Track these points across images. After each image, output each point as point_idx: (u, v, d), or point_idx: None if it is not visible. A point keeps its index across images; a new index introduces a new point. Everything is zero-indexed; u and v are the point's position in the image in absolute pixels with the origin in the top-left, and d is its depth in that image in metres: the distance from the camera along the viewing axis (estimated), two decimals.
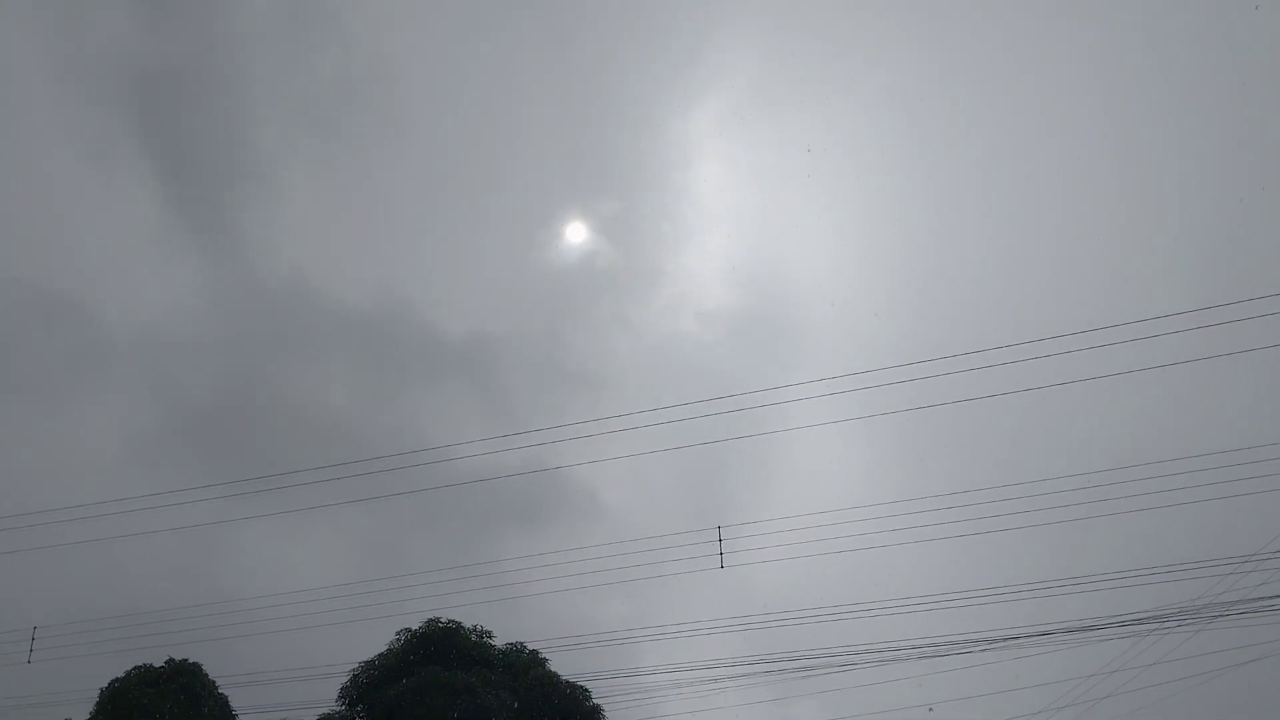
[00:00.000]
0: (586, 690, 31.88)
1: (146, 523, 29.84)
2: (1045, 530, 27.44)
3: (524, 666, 32.48)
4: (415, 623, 32.34)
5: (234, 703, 33.34)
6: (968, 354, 24.61)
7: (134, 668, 32.29)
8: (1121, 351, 23.14)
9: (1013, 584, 27.14)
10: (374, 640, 32.46)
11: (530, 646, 33.59)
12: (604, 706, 32.18)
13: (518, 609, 35.09)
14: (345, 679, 31.82)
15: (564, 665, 33.21)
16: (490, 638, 32.83)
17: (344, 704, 31.59)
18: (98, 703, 31.68)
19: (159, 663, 32.47)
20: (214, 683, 32.93)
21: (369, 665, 31.85)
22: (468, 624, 32.59)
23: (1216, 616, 25.00)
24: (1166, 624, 26.13)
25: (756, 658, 29.88)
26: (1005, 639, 28.39)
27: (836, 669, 29.52)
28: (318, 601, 30.74)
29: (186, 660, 32.52)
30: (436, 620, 32.35)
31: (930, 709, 31.56)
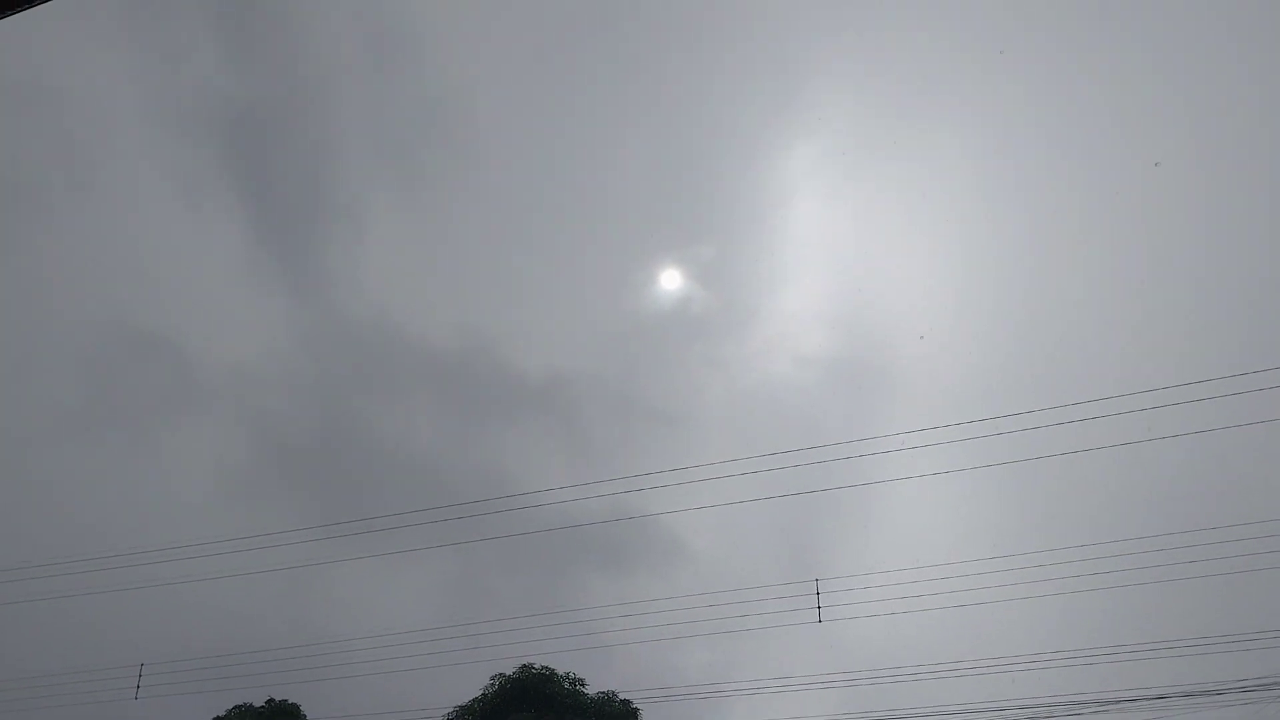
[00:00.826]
0: None
1: (245, 563, 30.65)
2: (1157, 589, 26.52)
3: (616, 717, 32.24)
4: (504, 667, 32.49)
5: None
6: (1075, 404, 24.07)
7: (234, 707, 32.92)
8: (1238, 403, 22.37)
9: (1125, 644, 26.24)
10: (464, 683, 32.64)
11: (620, 695, 33.36)
12: None
13: (604, 655, 34.96)
14: None
15: (652, 715, 32.93)
16: (583, 686, 32.72)
17: None
18: None
19: (259, 702, 33.05)
20: None
21: (464, 710, 31.97)
22: (559, 670, 32.57)
23: None
24: None
25: (853, 715, 29.22)
26: (1116, 701, 27.39)
27: None
28: (408, 645, 31.07)
29: (286, 701, 33.03)
30: (530, 666, 32.39)
31: None
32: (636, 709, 32.82)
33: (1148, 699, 26.91)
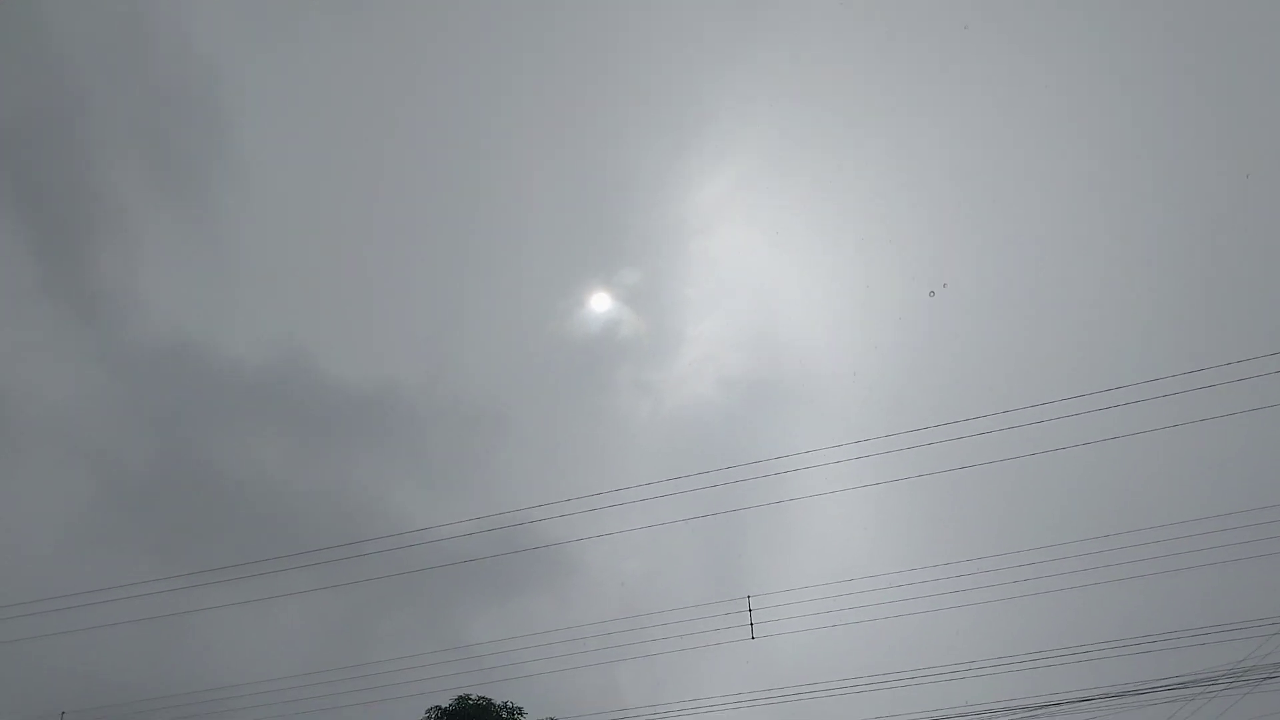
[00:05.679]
0: None
1: (107, 615, 28.29)
2: (1081, 593, 27.68)
3: None
4: (439, 701, 31.04)
5: None
6: (995, 414, 24.90)
7: None
8: (1156, 407, 23.62)
9: (1049, 649, 27.26)
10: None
11: None
12: None
13: (532, 684, 33.75)
14: None
15: None
16: (522, 714, 31.61)
17: None
18: None
19: None
20: None
21: None
22: (495, 700, 31.39)
23: (1264, 679, 25.79)
24: (1212, 688, 26.67)
25: None
26: (1044, 705, 28.32)
27: None
28: (304, 688, 29.18)
29: None
30: (466, 697, 31.19)
31: None
32: None
33: (1074, 701, 28.09)
